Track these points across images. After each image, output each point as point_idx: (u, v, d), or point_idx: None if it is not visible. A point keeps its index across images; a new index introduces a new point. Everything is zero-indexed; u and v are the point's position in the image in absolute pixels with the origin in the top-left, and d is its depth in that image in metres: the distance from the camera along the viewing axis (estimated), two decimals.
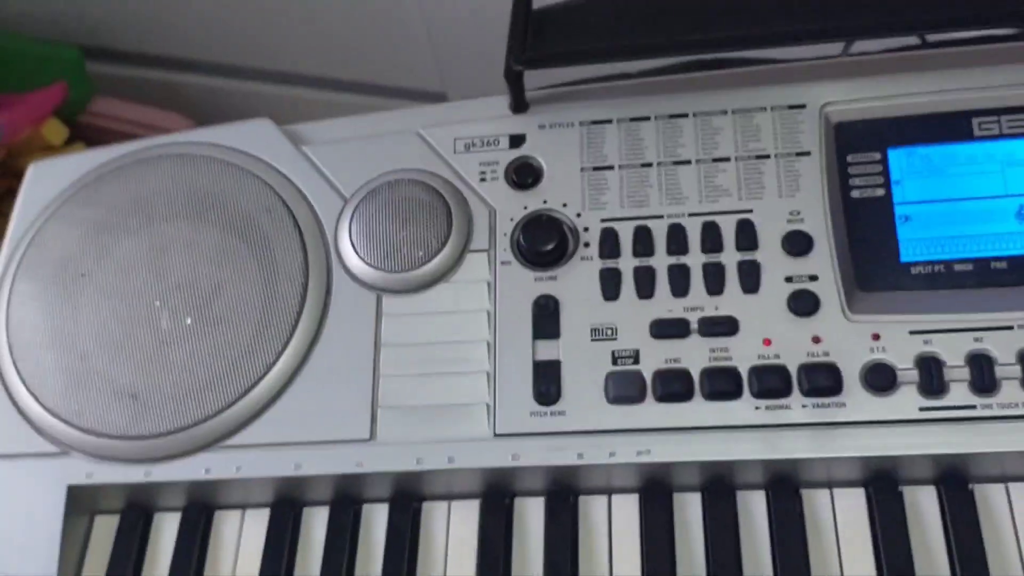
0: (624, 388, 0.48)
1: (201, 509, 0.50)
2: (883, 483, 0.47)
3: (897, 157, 0.51)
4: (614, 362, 0.49)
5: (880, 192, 0.50)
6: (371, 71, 1.07)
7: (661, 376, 0.48)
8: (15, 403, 0.52)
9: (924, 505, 0.46)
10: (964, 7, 0.51)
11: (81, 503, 0.50)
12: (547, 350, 0.49)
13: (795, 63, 0.54)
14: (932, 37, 0.56)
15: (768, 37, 0.51)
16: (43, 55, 1.12)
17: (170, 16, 1.09)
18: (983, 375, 0.46)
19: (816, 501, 0.47)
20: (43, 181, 0.58)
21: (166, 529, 0.50)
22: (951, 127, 0.51)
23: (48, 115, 1.05)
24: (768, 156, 0.51)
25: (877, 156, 0.51)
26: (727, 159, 0.52)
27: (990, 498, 0.46)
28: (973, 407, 0.46)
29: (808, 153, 0.51)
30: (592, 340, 0.49)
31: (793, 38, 0.52)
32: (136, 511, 0.51)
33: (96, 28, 1.13)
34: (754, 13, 0.52)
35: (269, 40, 1.09)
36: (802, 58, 0.55)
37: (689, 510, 0.48)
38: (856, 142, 0.51)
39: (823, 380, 0.47)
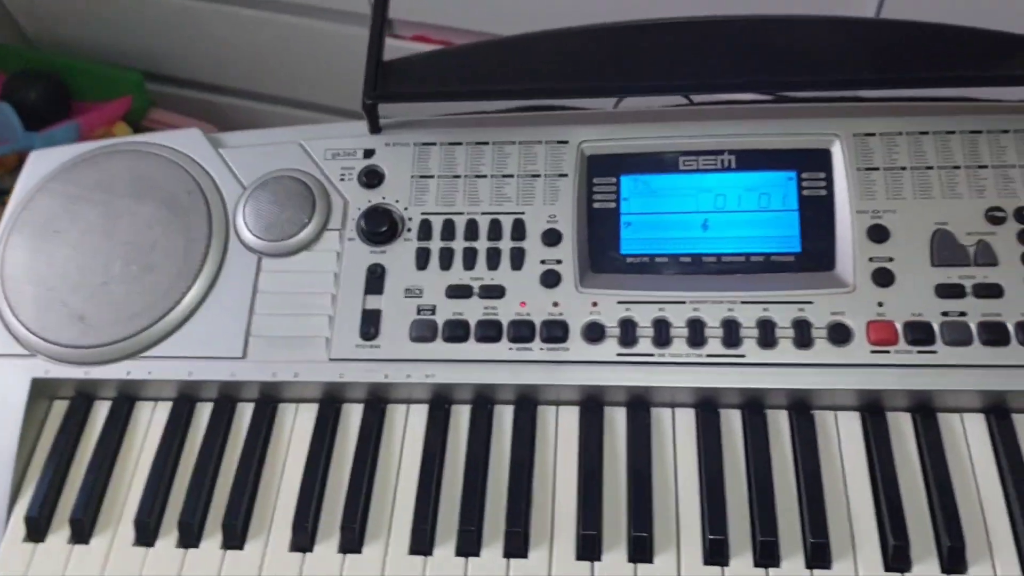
0: (422, 331, 0.55)
1: (124, 400, 0.57)
2: (591, 404, 0.54)
3: (626, 181, 0.58)
4: (418, 312, 0.56)
5: (612, 204, 0.58)
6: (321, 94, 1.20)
7: (449, 324, 0.55)
8: (2, 319, 0.59)
9: (618, 422, 0.54)
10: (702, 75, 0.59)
11: (41, 391, 0.57)
12: (373, 302, 0.56)
13: (565, 111, 0.61)
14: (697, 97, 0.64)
15: (545, 91, 0.59)
16: (115, 77, 1.35)
17: (207, 52, 1.32)
18: (661, 334, 0.53)
19: (547, 416, 0.54)
20: (39, 164, 0.65)
21: (101, 413, 0.57)
22: (664, 162, 0.58)
23: (118, 120, 1.27)
24: (539, 175, 0.58)
25: (613, 180, 0.58)
26: (512, 175, 0.59)
27: (663, 420, 0.54)
28: (651, 355, 0.53)
29: (566, 175, 0.58)
30: (405, 297, 0.56)
31: (566, 93, 0.60)
32: (80, 399, 0.58)
33: (155, 58, 1.37)
34: (549, 70, 0.60)
35: (273, 71, 1.23)
36: (576, 108, 0.62)
37: (461, 419, 0.55)
38: (600, 169, 0.59)
39: (557, 331, 0.54)
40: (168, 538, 0.52)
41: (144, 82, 1.35)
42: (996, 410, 0.51)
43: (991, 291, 0.52)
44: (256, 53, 1.26)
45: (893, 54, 0.54)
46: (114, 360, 0.56)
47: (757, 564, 0.48)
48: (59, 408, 0.58)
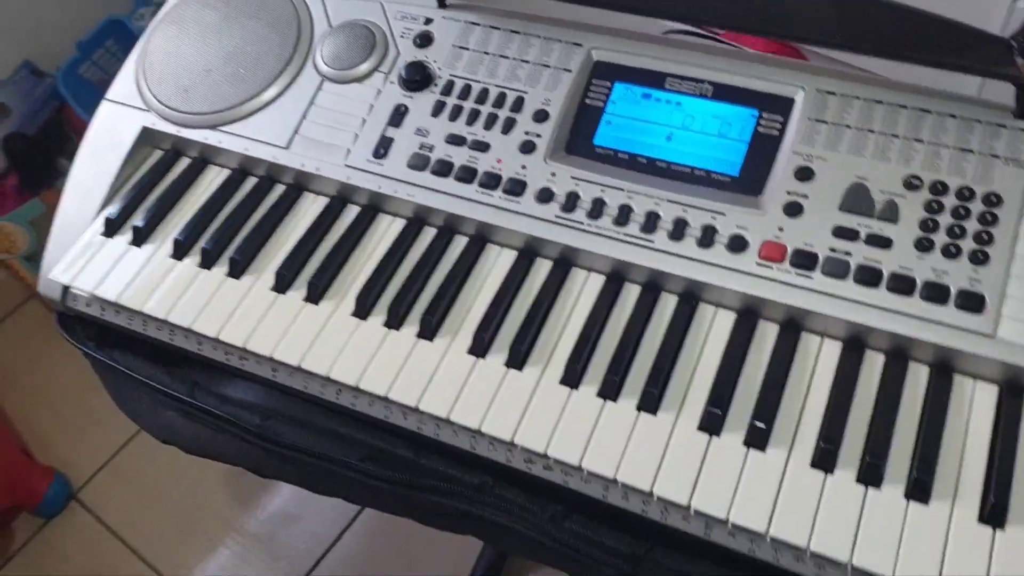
0: (417, 161, 0.69)
1: (200, 161, 0.76)
2: (527, 251, 0.66)
3: (619, 87, 0.69)
4: (419, 148, 0.69)
5: (601, 104, 0.69)
6: None
7: (439, 161, 0.68)
8: (136, 80, 0.78)
9: (542, 272, 0.65)
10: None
11: (146, 138, 0.76)
12: (391, 132, 0.71)
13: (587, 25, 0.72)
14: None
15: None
16: None
17: None
18: (595, 209, 0.64)
19: (491, 253, 0.67)
20: None
21: (182, 165, 0.76)
22: (654, 79, 0.68)
23: None
24: (549, 66, 0.70)
25: (608, 84, 0.69)
26: (528, 61, 0.71)
27: (577, 278, 0.65)
28: (582, 223, 0.64)
29: (570, 71, 0.70)
30: (415, 134, 0.70)
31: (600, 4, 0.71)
32: (171, 153, 0.77)
33: None
34: None
35: None
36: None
37: (426, 238, 0.69)
38: (601, 73, 0.70)
39: (516, 187, 0.66)
40: (192, 259, 0.70)
41: None
42: (853, 342, 0.59)
43: (881, 242, 0.59)
44: None
45: (866, 24, 0.62)
46: (200, 127, 0.74)
47: (638, 408, 0.58)
48: (156, 156, 0.77)
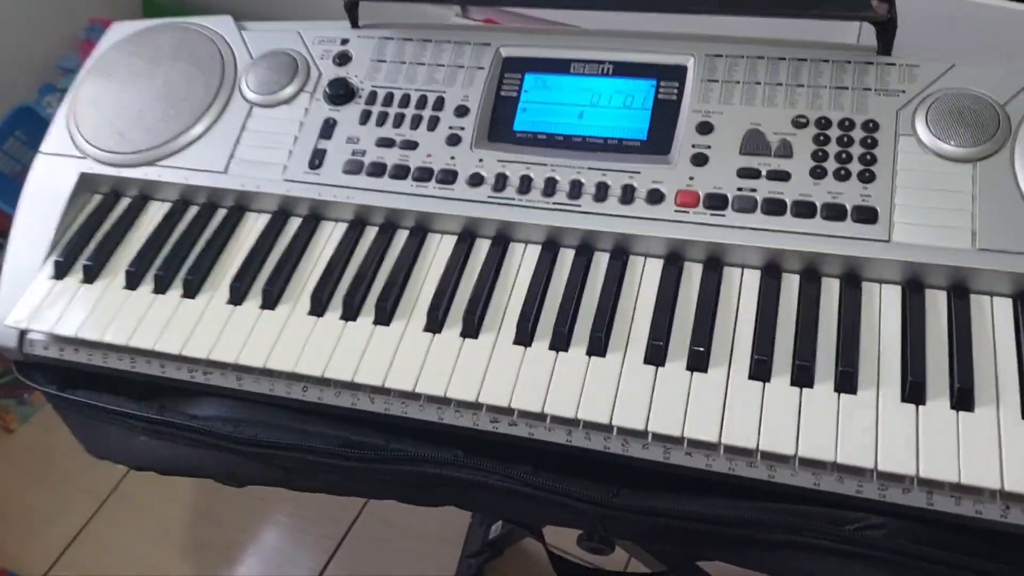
0: (352, 166, 0.74)
1: (141, 198, 0.80)
2: (467, 234, 0.72)
3: (529, 78, 0.76)
4: (352, 154, 0.75)
5: (515, 94, 0.75)
6: None
7: (372, 164, 0.74)
8: (68, 131, 0.82)
9: (482, 250, 0.71)
10: None
11: (85, 184, 0.80)
12: (323, 144, 0.76)
13: (492, 29, 0.79)
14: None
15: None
16: None
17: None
18: (523, 185, 0.70)
19: (432, 240, 0.72)
20: (115, 32, 0.88)
21: (123, 204, 0.80)
22: (559, 66, 0.75)
23: None
24: (463, 67, 0.77)
25: (519, 76, 0.76)
26: (443, 65, 0.77)
27: (516, 251, 0.70)
28: (513, 199, 0.70)
29: (483, 68, 0.76)
30: (346, 143, 0.76)
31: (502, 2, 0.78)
32: (111, 195, 0.80)
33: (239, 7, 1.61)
34: None
35: None
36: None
37: (370, 235, 0.74)
38: (511, 67, 0.76)
39: (448, 177, 0.72)
40: (146, 287, 0.73)
41: None
42: (770, 268, 0.65)
43: (780, 176, 0.66)
44: None
45: None
46: (139, 165, 0.78)
47: (588, 353, 0.64)
48: (96, 200, 0.81)
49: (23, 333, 0.73)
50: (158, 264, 0.74)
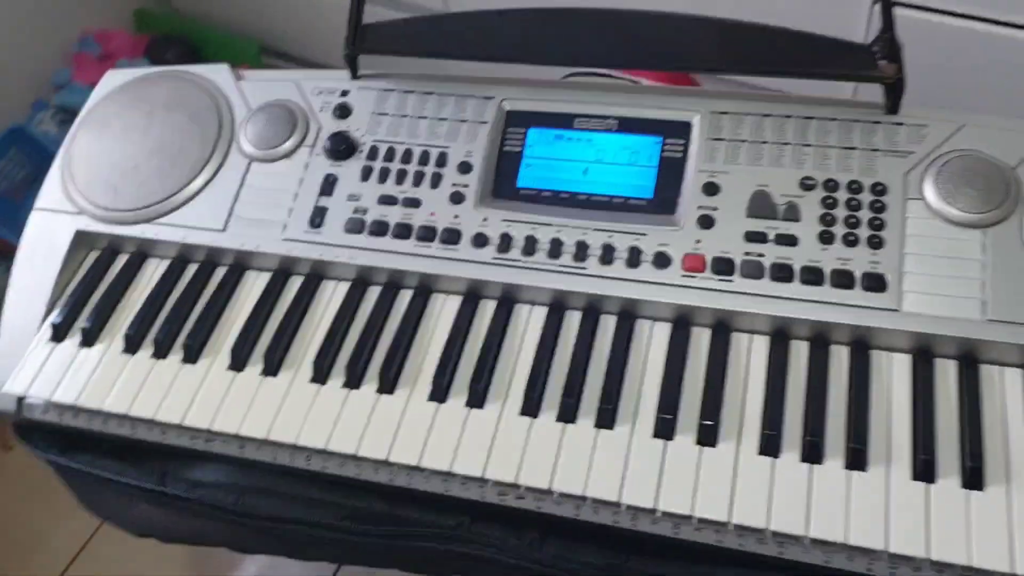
0: (354, 225, 0.74)
1: (138, 256, 0.79)
2: (472, 296, 0.71)
3: (533, 133, 0.75)
4: (353, 212, 0.74)
5: (518, 149, 0.75)
6: None
7: (374, 222, 0.73)
8: (63, 186, 0.81)
9: (488, 311, 0.71)
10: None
11: (81, 241, 0.79)
12: (323, 201, 0.75)
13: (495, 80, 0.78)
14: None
15: (479, 55, 0.76)
16: (238, 46, 1.74)
17: (318, 35, 1.64)
18: (529, 246, 0.70)
19: (436, 302, 0.71)
20: (110, 81, 0.87)
21: (120, 262, 0.79)
22: (563, 120, 0.75)
23: None
24: (466, 121, 0.76)
25: (523, 131, 0.75)
26: (445, 119, 0.77)
27: (522, 313, 0.70)
28: (519, 261, 0.70)
29: (486, 122, 0.76)
30: (347, 200, 0.75)
31: (494, 59, 0.77)
32: (108, 252, 0.79)
33: (273, 35, 1.73)
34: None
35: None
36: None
37: (372, 296, 0.73)
38: (515, 121, 0.76)
39: (453, 237, 0.71)
40: (146, 351, 0.72)
41: (260, 54, 1.68)
42: (779, 335, 0.65)
43: (788, 241, 0.66)
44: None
45: (744, 48, 0.70)
46: (135, 223, 0.78)
47: (596, 425, 0.63)
48: (92, 257, 0.80)
49: (21, 398, 0.73)
50: (157, 327, 0.73)
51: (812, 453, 0.59)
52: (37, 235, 0.79)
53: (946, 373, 0.62)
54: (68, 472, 0.73)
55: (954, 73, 1.01)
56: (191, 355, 0.71)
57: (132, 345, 0.72)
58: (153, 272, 0.78)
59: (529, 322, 0.70)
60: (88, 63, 1.71)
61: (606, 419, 0.63)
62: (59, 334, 0.74)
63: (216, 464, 0.71)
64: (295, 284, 0.75)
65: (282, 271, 0.75)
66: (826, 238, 0.65)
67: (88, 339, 0.73)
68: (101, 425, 0.71)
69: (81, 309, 0.76)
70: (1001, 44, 1.01)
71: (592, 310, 0.69)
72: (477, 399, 0.65)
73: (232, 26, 1.75)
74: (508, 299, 0.71)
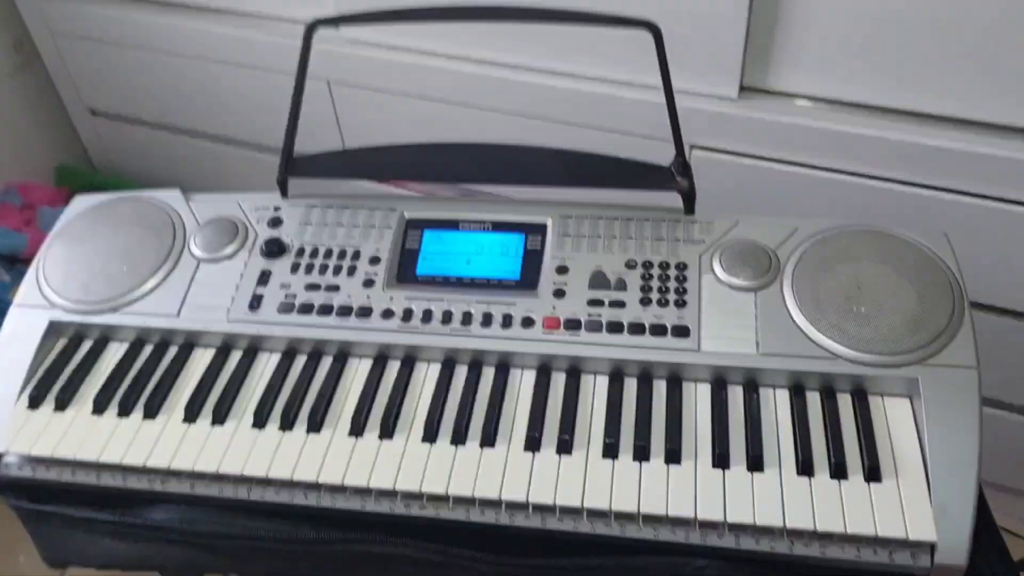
0: (285, 308, 0.93)
1: (102, 340, 0.95)
2: (380, 358, 0.90)
3: (428, 234, 0.97)
4: (285, 297, 0.93)
5: (416, 246, 0.97)
6: None
7: (302, 304, 0.93)
8: (38, 285, 0.98)
9: (393, 370, 0.90)
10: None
11: (52, 330, 0.95)
12: (260, 290, 0.94)
13: (397, 196, 1.01)
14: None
15: (387, 175, 0.99)
16: None
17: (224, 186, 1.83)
18: (426, 317, 0.90)
19: (353, 364, 0.91)
20: (80, 203, 1.06)
21: (86, 346, 0.95)
22: (451, 223, 0.98)
23: None
24: (375, 227, 0.98)
25: (420, 232, 0.98)
26: (358, 226, 0.98)
27: (422, 369, 0.89)
28: (418, 328, 0.90)
29: (391, 227, 0.98)
30: (279, 288, 0.94)
31: (394, 177, 1.00)
32: (75, 338, 0.96)
33: (190, 186, 1.85)
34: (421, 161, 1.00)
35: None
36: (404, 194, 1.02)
37: (300, 363, 0.92)
38: (413, 225, 0.98)
39: (365, 312, 0.91)
40: (111, 412, 0.88)
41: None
42: (615, 374, 0.86)
43: (618, 304, 0.89)
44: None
45: (580, 169, 0.95)
46: (101, 312, 0.95)
47: (481, 445, 0.82)
48: (61, 343, 0.96)
49: (1, 455, 0.86)
50: (121, 393, 0.89)
51: (641, 454, 0.80)
52: (14, 327, 0.95)
53: (736, 396, 0.85)
54: (36, 519, 0.86)
55: (735, 190, 1.31)
56: (151, 412, 0.87)
57: (99, 407, 0.88)
58: (116, 352, 0.94)
59: (427, 374, 0.89)
60: (10, 211, 1.89)
61: (489, 440, 0.82)
62: (35, 402, 0.89)
63: (168, 506, 0.86)
64: (236, 356, 0.92)
65: (225, 346, 0.93)
66: (645, 302, 0.89)
67: (61, 404, 0.89)
68: (70, 475, 0.85)
69: (54, 382, 0.91)
70: (766, 174, 1.32)
71: (476, 363, 0.89)
72: (387, 432, 0.84)
73: (151, 181, 1.95)
74: (410, 358, 0.90)
